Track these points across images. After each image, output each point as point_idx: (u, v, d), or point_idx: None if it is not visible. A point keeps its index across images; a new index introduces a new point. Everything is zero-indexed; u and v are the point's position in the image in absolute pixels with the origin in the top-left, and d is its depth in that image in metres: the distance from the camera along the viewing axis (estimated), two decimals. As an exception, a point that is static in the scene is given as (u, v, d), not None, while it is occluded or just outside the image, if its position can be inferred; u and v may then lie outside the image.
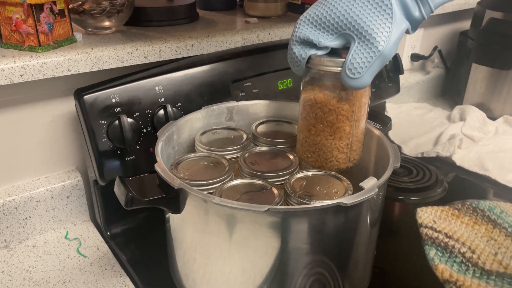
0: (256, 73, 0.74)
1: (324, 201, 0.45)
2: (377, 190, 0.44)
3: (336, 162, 0.54)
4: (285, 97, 0.76)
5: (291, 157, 0.57)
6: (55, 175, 0.71)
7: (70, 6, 0.66)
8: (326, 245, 0.46)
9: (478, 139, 0.96)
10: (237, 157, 0.58)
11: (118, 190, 0.46)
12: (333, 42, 0.47)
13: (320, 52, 0.49)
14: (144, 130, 0.63)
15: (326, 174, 0.52)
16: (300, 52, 0.49)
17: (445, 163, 0.89)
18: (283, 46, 0.79)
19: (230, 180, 0.51)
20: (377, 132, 0.57)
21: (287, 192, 0.48)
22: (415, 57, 1.21)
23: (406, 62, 1.21)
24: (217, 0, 0.92)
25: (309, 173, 0.53)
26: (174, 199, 0.46)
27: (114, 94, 0.61)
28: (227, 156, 0.57)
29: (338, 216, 0.44)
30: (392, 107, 1.13)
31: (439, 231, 0.45)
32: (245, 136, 0.62)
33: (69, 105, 0.68)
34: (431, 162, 0.89)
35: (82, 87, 0.61)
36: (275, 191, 0.49)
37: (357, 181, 0.54)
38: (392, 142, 0.95)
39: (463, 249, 0.44)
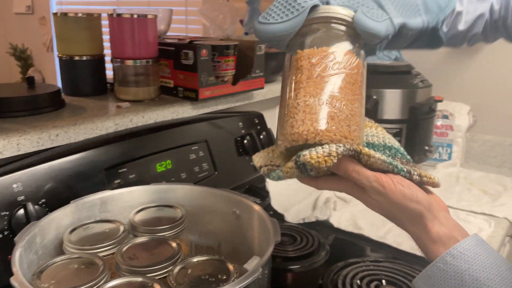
0: (131, 158, 0.71)
1: (210, 291, 0.43)
2: (261, 269, 0.43)
3: (359, 131, 0.43)
4: (166, 179, 0.74)
5: (174, 244, 0.54)
6: None
7: None
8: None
9: (349, 199, 1.04)
10: (113, 253, 0.53)
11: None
12: None
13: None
14: (0, 236, 0.55)
15: (211, 259, 0.51)
16: None
17: (324, 226, 0.94)
18: (158, 128, 0.79)
19: (106, 282, 0.46)
20: (256, 207, 0.58)
21: (170, 287, 0.45)
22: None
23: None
24: (85, 85, 0.89)
25: (194, 259, 0.51)
26: (36, 318, 0.39)
27: (-42, 198, 0.52)
28: (102, 254, 0.52)
29: (226, 304, 0.42)
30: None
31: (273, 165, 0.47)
32: (122, 228, 0.57)
33: None
34: (313, 226, 0.93)
35: None
36: (158, 287, 0.45)
37: (244, 259, 0.53)
38: (275, 212, 0.99)
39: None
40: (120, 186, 0.67)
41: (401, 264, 0.79)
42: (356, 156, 0.40)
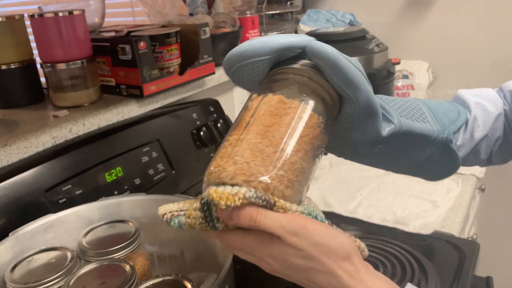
0: (76, 172, 0.66)
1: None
2: (218, 289, 0.40)
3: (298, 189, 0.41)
4: (118, 189, 0.69)
5: (127, 267, 0.50)
6: None
7: None
8: None
9: (317, 176, 1.02)
10: (62, 286, 0.48)
11: None
12: None
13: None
14: None
15: (166, 280, 0.47)
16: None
17: (295, 208, 0.92)
18: (103, 134, 0.73)
19: (52, 324, 0.42)
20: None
21: (123, 319, 0.41)
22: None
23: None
24: (17, 95, 0.81)
25: (148, 283, 0.47)
26: None
27: None
28: (48, 290, 0.48)
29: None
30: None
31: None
32: (69, 255, 0.52)
33: None
34: (283, 210, 0.91)
35: None
36: (109, 323, 0.41)
37: (209, 265, 0.50)
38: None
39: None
40: (66, 205, 0.61)
41: (374, 239, 0.78)
42: (269, 207, 0.34)
